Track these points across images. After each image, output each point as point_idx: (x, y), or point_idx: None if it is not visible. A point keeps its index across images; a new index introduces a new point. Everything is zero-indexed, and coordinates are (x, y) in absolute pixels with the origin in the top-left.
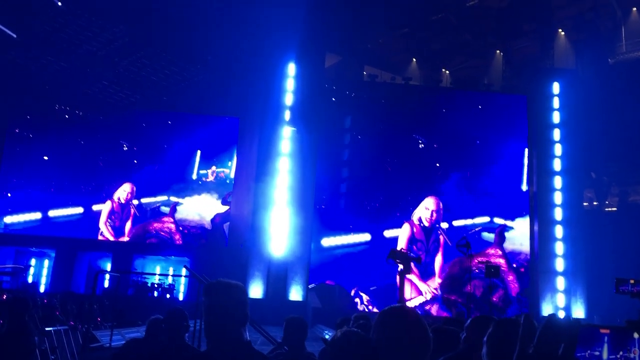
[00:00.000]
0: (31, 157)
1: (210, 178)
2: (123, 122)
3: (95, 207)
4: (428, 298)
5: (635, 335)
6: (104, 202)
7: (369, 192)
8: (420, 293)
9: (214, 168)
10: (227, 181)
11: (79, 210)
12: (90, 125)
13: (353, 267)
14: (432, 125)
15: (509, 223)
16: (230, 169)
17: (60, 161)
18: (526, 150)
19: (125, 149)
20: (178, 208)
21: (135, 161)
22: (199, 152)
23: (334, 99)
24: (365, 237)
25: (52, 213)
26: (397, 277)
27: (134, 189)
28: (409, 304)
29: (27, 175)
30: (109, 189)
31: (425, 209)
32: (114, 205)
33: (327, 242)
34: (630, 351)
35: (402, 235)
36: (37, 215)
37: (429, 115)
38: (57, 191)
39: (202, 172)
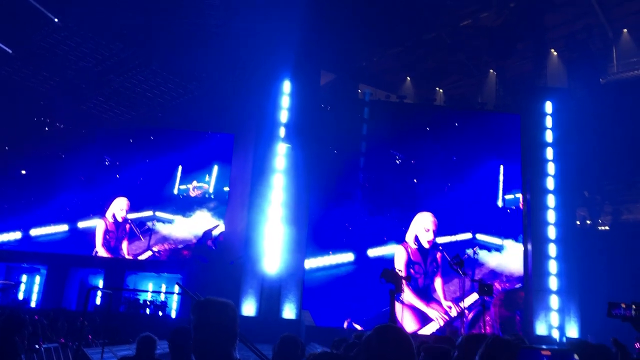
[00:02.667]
0: (7, 171)
1: (192, 193)
2: (108, 136)
3: (81, 224)
4: (442, 324)
5: (576, 357)
6: (89, 218)
7: (355, 210)
8: (430, 319)
9: (195, 183)
10: (207, 195)
11: (64, 227)
12: (72, 139)
13: (341, 290)
14: (423, 143)
15: (493, 240)
16: (208, 184)
17: (39, 176)
18: (501, 167)
19: (107, 164)
20: (160, 225)
21: (117, 176)
22: (180, 167)
23: (328, 108)
24: (349, 257)
25: (35, 232)
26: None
27: (129, 204)
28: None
29: (3, 190)
30: (94, 205)
31: (425, 230)
32: (108, 223)
33: (310, 263)
34: None
35: (397, 258)
36: (16, 235)
37: (422, 134)
38: (36, 207)
39: (182, 187)
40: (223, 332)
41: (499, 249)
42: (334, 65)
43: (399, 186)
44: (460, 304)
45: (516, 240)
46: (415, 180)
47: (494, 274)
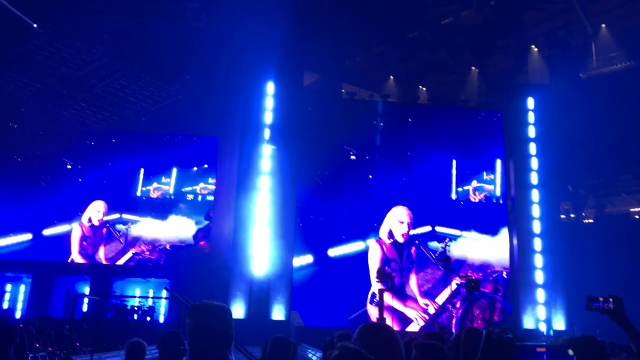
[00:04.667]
0: None
1: (152, 194)
2: (72, 140)
3: (46, 232)
4: (422, 324)
5: (570, 352)
6: (54, 225)
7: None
8: (410, 320)
9: (155, 184)
10: (167, 197)
11: (27, 237)
12: (30, 141)
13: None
14: (400, 141)
15: (452, 231)
16: (168, 185)
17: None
18: (454, 161)
19: (69, 167)
20: (133, 227)
21: (80, 180)
22: (142, 170)
23: (309, 109)
24: (308, 259)
25: None
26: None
27: (106, 206)
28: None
29: None
30: (58, 211)
31: (399, 223)
32: (85, 229)
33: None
34: None
35: (372, 257)
36: None
37: (403, 132)
38: None
39: (144, 189)
40: (219, 336)
41: (456, 239)
42: (318, 65)
43: (356, 183)
44: (436, 299)
45: (477, 230)
46: (370, 177)
47: (459, 263)
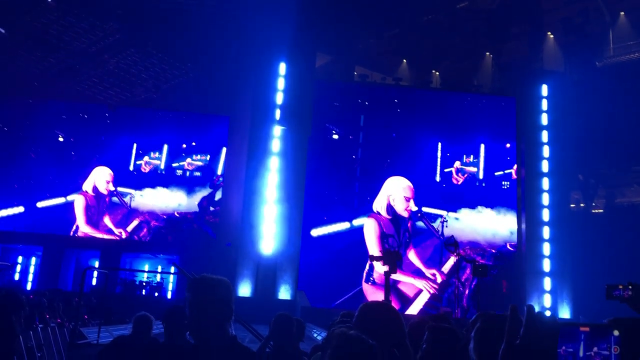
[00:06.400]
0: None
1: (144, 168)
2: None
3: (40, 204)
4: (432, 292)
5: (615, 333)
6: (47, 198)
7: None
8: (419, 290)
9: (146, 158)
10: (158, 172)
11: (19, 209)
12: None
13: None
14: (417, 122)
15: (437, 211)
16: (160, 160)
17: None
18: (439, 144)
19: (61, 139)
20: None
21: (72, 153)
22: (135, 144)
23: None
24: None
25: None
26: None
27: (113, 174)
28: (417, 305)
29: None
30: (51, 184)
31: (405, 199)
32: (88, 197)
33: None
34: (610, 348)
35: (368, 234)
36: None
37: (418, 115)
38: None
39: (137, 162)
40: (218, 309)
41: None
42: (330, 47)
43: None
44: (442, 269)
45: (454, 211)
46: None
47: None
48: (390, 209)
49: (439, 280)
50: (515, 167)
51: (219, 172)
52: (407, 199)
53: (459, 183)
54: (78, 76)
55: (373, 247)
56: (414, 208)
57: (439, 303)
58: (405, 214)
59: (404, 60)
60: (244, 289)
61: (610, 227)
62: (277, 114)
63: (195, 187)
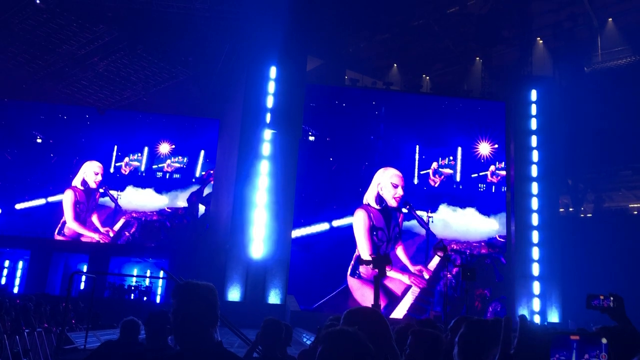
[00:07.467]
0: None
1: (124, 170)
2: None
3: (19, 206)
4: (421, 287)
5: (604, 341)
6: (26, 200)
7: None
8: (407, 286)
9: (126, 160)
10: (139, 173)
11: None
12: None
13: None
14: (407, 128)
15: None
16: (140, 162)
17: None
18: (417, 147)
19: (40, 141)
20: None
21: (51, 154)
22: (115, 146)
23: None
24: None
25: None
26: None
27: (102, 167)
28: (407, 301)
29: None
30: (30, 186)
31: (393, 186)
32: (77, 193)
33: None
34: (598, 356)
35: (357, 225)
36: None
37: (407, 119)
38: None
39: (117, 164)
40: (203, 314)
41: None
42: (321, 50)
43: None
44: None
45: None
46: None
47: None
48: (379, 198)
49: (426, 277)
50: (491, 168)
51: (197, 174)
52: (395, 186)
53: (436, 185)
54: (67, 79)
55: (362, 240)
56: (401, 193)
57: (431, 297)
58: (393, 203)
59: (395, 65)
60: (234, 293)
61: (599, 231)
62: (268, 117)
63: (177, 189)
